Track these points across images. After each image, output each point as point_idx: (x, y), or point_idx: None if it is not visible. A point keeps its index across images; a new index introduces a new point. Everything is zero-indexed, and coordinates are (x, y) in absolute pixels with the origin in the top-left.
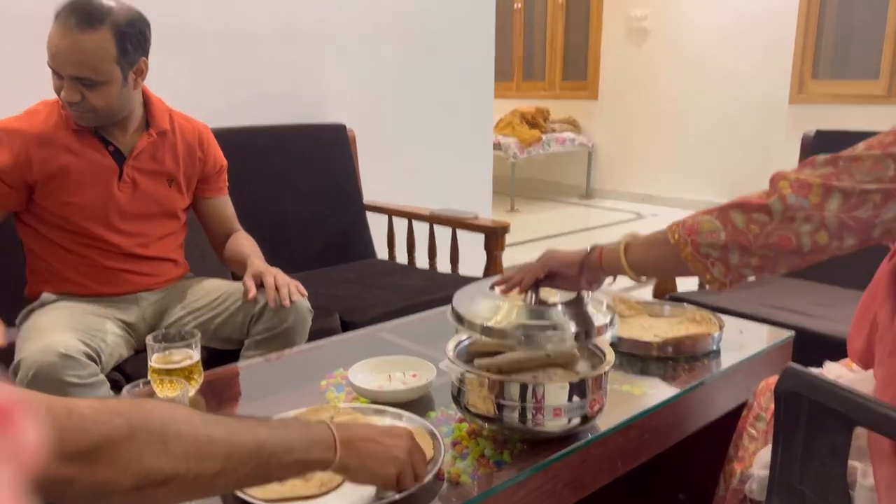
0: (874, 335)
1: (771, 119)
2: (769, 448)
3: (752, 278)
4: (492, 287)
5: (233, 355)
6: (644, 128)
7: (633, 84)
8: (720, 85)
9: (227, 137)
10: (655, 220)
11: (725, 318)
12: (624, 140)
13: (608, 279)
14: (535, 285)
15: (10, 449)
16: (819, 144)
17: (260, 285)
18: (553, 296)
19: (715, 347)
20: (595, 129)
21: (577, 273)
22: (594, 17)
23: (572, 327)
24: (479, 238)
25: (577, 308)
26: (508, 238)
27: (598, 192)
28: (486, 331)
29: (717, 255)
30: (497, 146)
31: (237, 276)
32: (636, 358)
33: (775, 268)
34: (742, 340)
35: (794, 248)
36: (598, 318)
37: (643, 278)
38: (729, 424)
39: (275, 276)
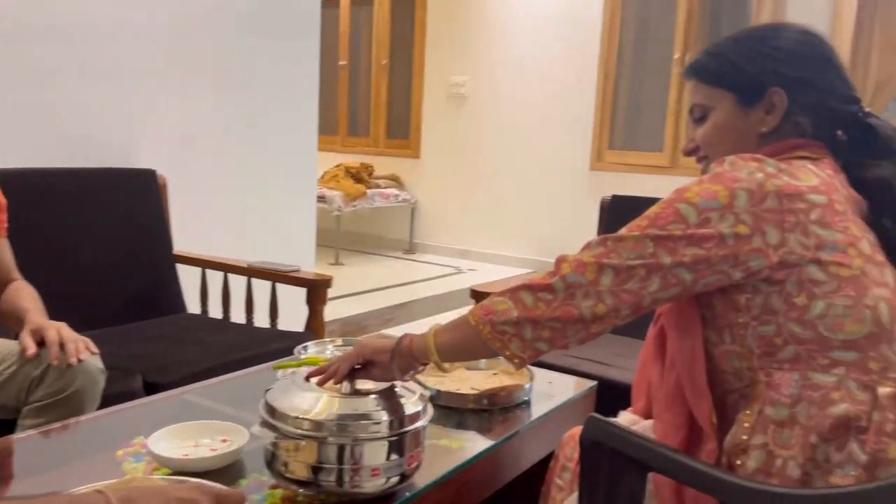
0: (651, 394)
1: (574, 183)
2: (574, 497)
3: (546, 351)
4: (307, 378)
5: (10, 426)
6: (463, 187)
7: (453, 145)
8: (531, 150)
9: (16, 179)
10: (473, 275)
11: (536, 369)
12: (444, 198)
13: (420, 367)
14: (350, 375)
15: None
16: (615, 207)
17: (41, 343)
18: (369, 385)
19: (527, 398)
20: (417, 187)
21: (389, 360)
22: (416, 80)
23: (384, 416)
24: (301, 292)
25: (389, 397)
26: (333, 291)
27: (421, 246)
28: (299, 423)
29: (513, 331)
30: (322, 199)
31: (17, 335)
32: (454, 411)
33: (565, 339)
34: (551, 391)
35: (577, 317)
36: (410, 407)
37: (447, 365)
38: (540, 474)
39: (58, 330)
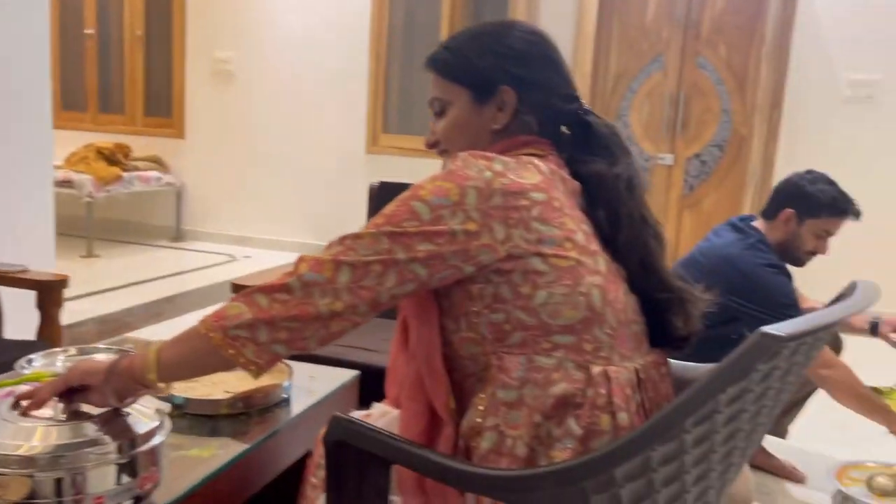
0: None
1: (351, 167)
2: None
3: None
4: (15, 405)
5: None
6: (236, 170)
7: (223, 126)
8: (306, 132)
9: None
10: (249, 263)
11: (298, 364)
12: (215, 181)
13: (143, 390)
14: (68, 399)
15: None
16: (383, 193)
17: None
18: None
19: (286, 396)
20: (184, 169)
21: (102, 383)
22: (177, 54)
23: (106, 440)
24: (32, 295)
25: (113, 418)
26: (88, 287)
27: (190, 234)
28: (7, 462)
29: (247, 334)
30: (68, 184)
31: None
32: (208, 418)
33: (304, 339)
34: (312, 386)
35: (314, 315)
36: (142, 425)
37: (163, 386)
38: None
39: None
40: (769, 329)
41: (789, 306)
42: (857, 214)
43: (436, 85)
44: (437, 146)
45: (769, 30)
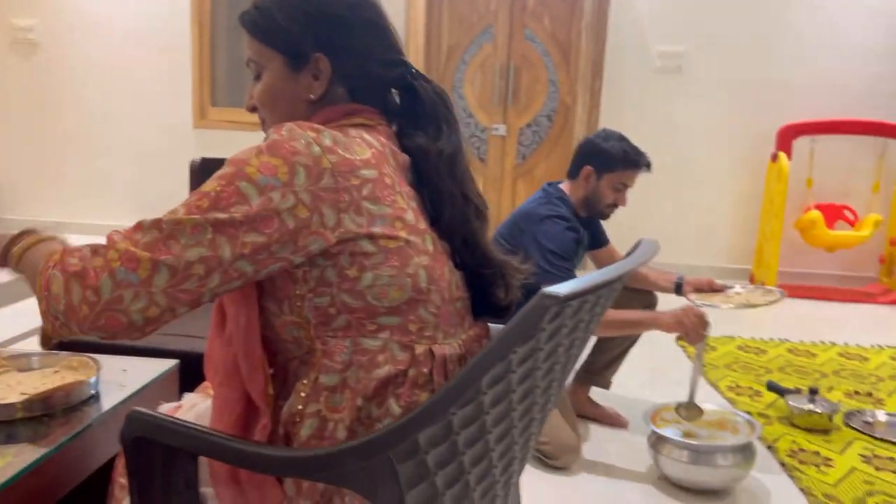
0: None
1: (179, 142)
2: None
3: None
4: None
5: None
6: (48, 150)
7: (28, 102)
8: (127, 107)
9: None
10: None
11: (108, 357)
12: (24, 164)
13: None
14: None
15: None
16: (206, 169)
17: None
18: None
19: (94, 392)
20: None
21: None
22: None
23: None
24: None
25: None
26: None
27: (1, 222)
28: None
29: (63, 321)
30: None
31: None
32: (3, 424)
33: (116, 337)
34: (124, 379)
35: (126, 325)
36: None
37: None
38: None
39: None
40: (550, 290)
41: (558, 255)
42: (647, 166)
43: (249, 46)
44: (257, 111)
45: (588, 2)
